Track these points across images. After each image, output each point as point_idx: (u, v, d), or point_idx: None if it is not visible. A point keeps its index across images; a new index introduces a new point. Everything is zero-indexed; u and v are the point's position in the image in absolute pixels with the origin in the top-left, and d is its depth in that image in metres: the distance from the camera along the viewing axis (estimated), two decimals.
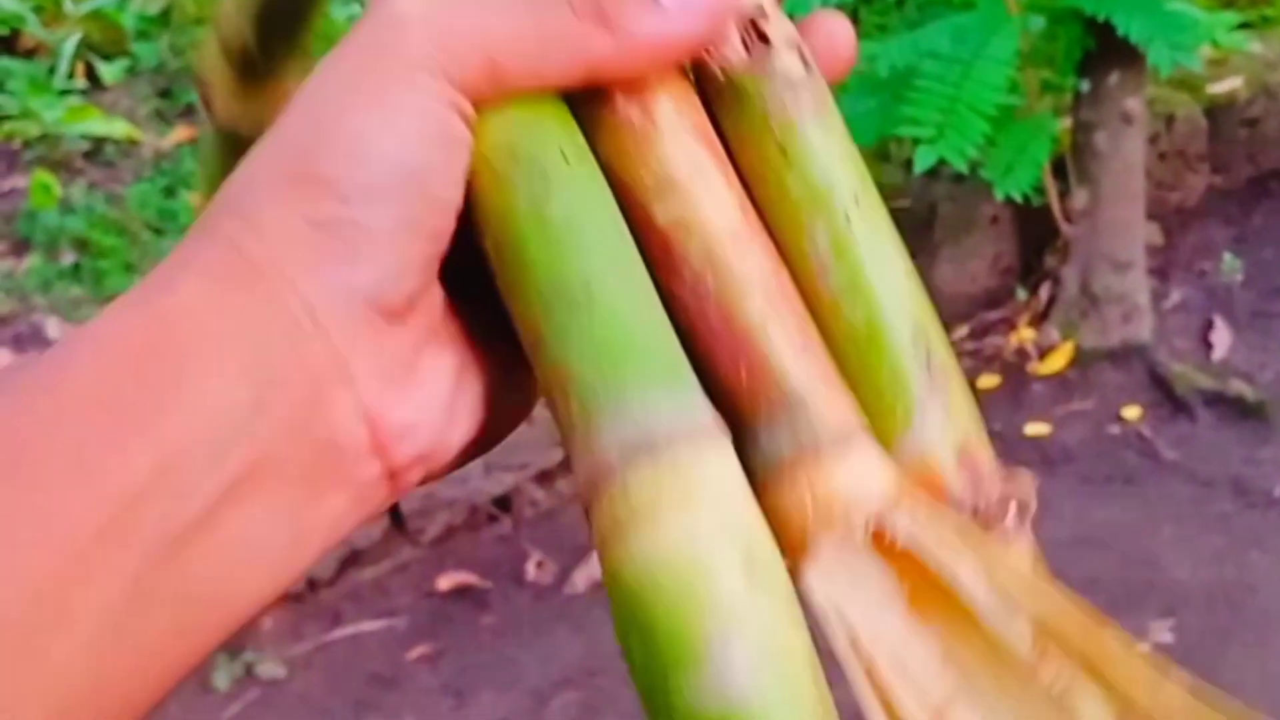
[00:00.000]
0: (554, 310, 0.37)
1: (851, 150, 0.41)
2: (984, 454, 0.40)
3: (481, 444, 0.42)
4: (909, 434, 0.39)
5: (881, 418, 0.38)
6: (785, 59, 0.41)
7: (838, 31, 0.43)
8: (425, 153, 0.37)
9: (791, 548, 0.36)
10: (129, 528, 0.33)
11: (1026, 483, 0.39)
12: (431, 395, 0.39)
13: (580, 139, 0.40)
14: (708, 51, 0.40)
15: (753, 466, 0.37)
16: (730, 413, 0.37)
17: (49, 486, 0.32)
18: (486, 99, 0.38)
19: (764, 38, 0.40)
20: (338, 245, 0.36)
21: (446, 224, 0.38)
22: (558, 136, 0.39)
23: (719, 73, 0.41)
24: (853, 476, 0.36)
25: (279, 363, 0.35)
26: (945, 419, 0.39)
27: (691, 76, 0.42)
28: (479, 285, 0.40)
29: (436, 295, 0.40)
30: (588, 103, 0.40)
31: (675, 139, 0.39)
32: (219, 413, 0.34)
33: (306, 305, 0.36)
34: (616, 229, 0.39)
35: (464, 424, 0.41)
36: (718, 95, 0.41)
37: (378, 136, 0.36)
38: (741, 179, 0.40)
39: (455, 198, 0.38)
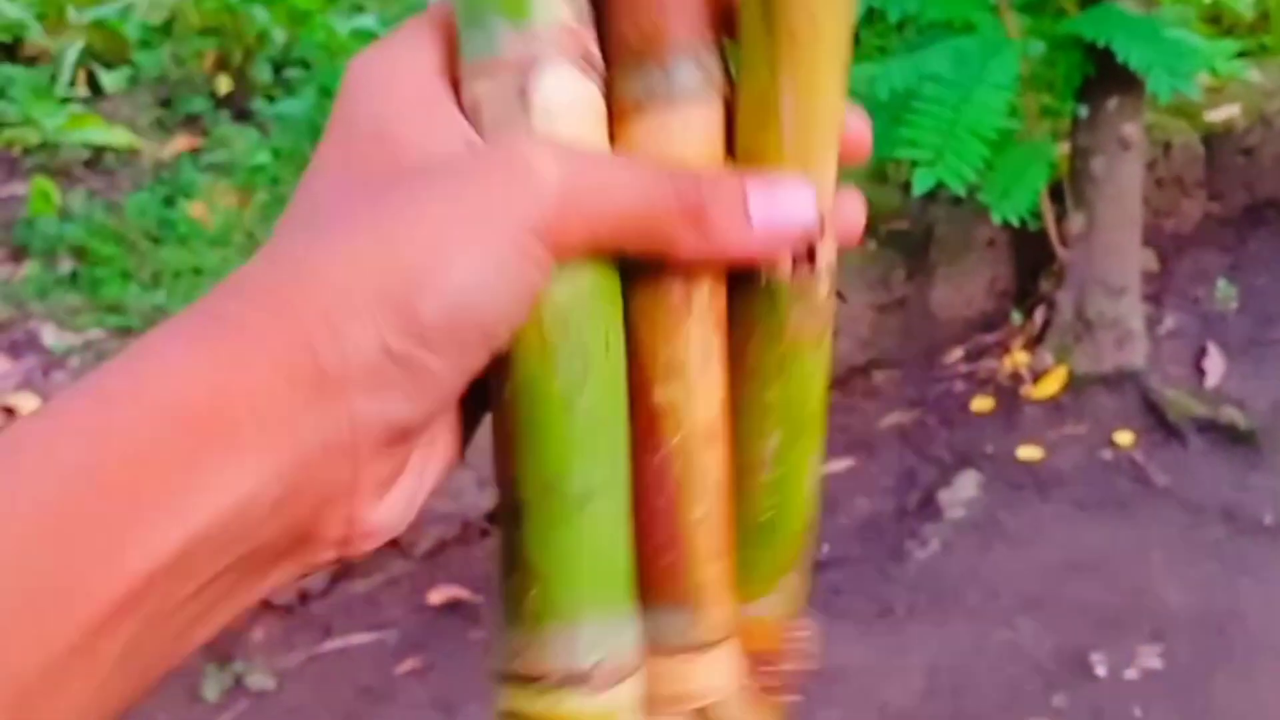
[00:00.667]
0: (548, 500, 0.41)
1: (826, 367, 0.45)
2: (798, 620, 0.48)
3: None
4: (763, 600, 0.46)
5: (751, 580, 0.46)
6: (821, 284, 0.43)
7: (851, 211, 0.45)
8: (511, 318, 0.39)
9: (648, 705, 0.44)
10: (138, 603, 0.34)
11: (811, 641, 0.48)
12: (405, 494, 0.41)
13: (621, 318, 0.42)
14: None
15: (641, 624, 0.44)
16: (640, 581, 0.43)
17: (82, 555, 0.33)
18: (576, 255, 0.40)
19: (813, 259, 0.43)
20: (403, 380, 0.37)
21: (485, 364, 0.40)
22: (606, 317, 0.41)
23: (762, 276, 0.43)
24: (708, 676, 0.44)
25: (311, 471, 0.36)
26: (789, 597, 0.47)
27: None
28: None
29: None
30: (636, 263, 0.42)
31: (699, 328, 0.42)
32: (247, 506, 0.35)
33: (353, 425, 0.37)
34: (624, 432, 0.42)
35: (417, 504, 0.42)
36: (747, 288, 0.43)
37: (480, 300, 0.38)
38: (730, 363, 0.44)
39: (505, 346, 0.40)
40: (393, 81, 0.41)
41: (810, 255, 0.42)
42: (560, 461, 0.40)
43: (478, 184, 0.38)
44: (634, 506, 0.43)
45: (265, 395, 0.36)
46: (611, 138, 0.42)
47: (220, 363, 0.36)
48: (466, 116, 0.41)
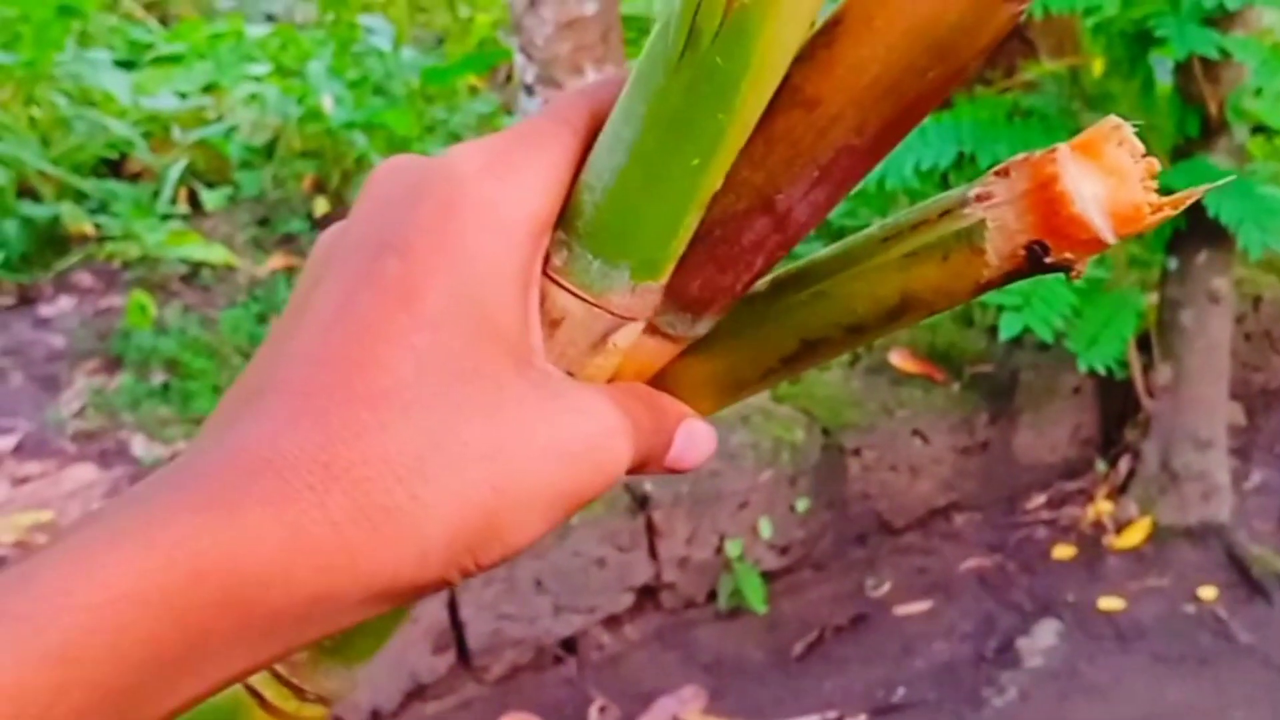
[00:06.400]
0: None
1: None
2: None
3: None
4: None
5: None
6: None
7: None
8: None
9: None
10: None
11: None
12: None
13: None
14: None
15: None
16: None
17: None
18: None
19: None
20: (430, 593, 0.40)
21: None
22: None
23: None
24: None
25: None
26: None
27: None
28: None
29: None
30: None
31: None
32: (251, 671, 0.38)
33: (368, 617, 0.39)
34: None
35: None
36: None
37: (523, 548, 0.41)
38: None
39: None
40: (502, 239, 0.41)
41: None
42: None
43: (578, 461, 0.41)
44: None
45: (325, 600, 0.37)
46: None
47: (306, 563, 0.37)
48: (541, 303, 0.43)
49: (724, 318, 0.46)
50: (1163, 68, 2.74)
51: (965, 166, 3.18)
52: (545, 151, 0.42)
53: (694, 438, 0.46)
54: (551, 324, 0.43)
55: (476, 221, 0.41)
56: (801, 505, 2.71)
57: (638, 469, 0.45)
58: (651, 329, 0.45)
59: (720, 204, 0.42)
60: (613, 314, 0.43)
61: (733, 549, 2.63)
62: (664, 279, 0.43)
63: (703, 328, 0.46)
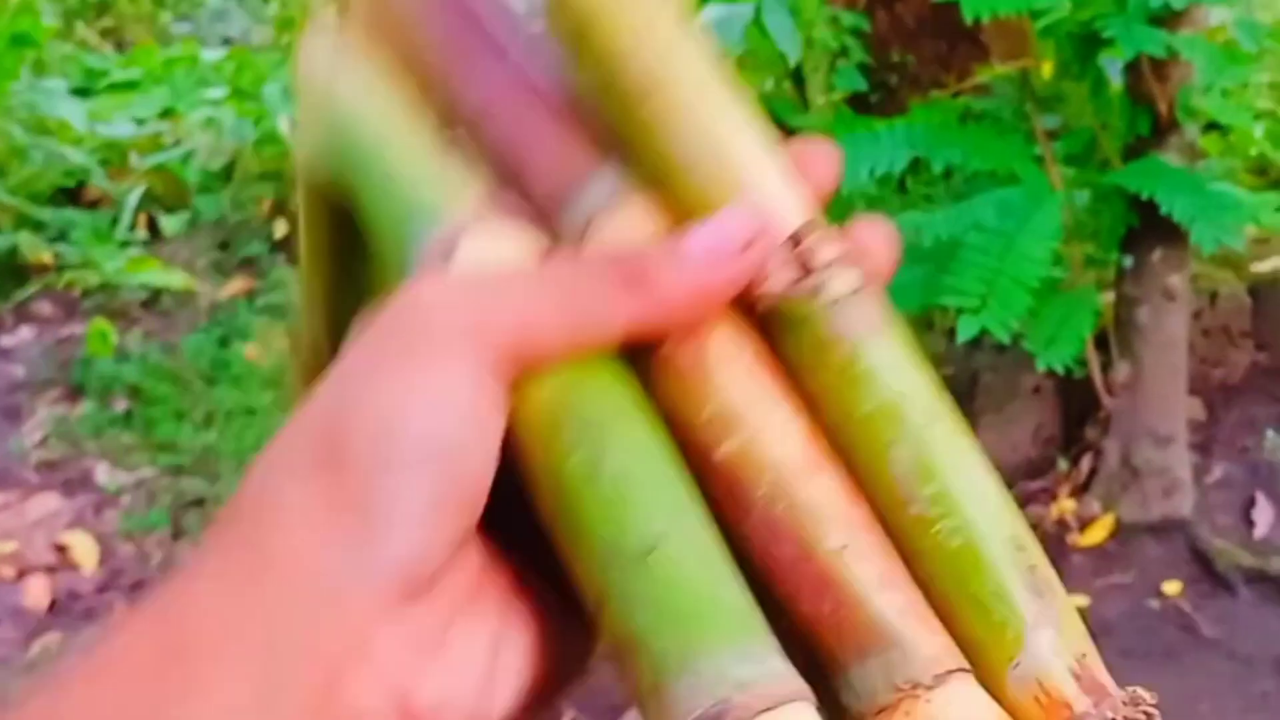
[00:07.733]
0: (616, 572, 0.36)
1: (918, 361, 0.40)
2: (1102, 670, 0.38)
3: (541, 698, 0.39)
4: (1022, 656, 0.37)
5: (989, 640, 0.37)
6: (833, 279, 0.39)
7: (875, 237, 0.41)
8: (455, 429, 0.35)
9: None
10: None
11: (1148, 699, 0.37)
12: (466, 664, 0.37)
13: (631, 388, 0.39)
14: (751, 284, 0.39)
15: (846, 705, 0.36)
16: (818, 651, 0.36)
17: None
18: (528, 368, 0.37)
19: (807, 261, 0.39)
20: (359, 527, 0.34)
21: (478, 498, 0.36)
22: (607, 391, 0.38)
23: (765, 302, 0.39)
24: (959, 712, 0.35)
25: (291, 653, 0.33)
26: (1058, 637, 0.38)
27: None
28: (521, 528, 0.38)
29: (472, 560, 0.38)
30: (640, 352, 0.39)
31: (728, 376, 0.38)
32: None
33: (325, 589, 0.34)
34: (677, 477, 0.38)
35: (510, 686, 0.38)
36: (770, 322, 0.39)
37: (405, 414, 0.35)
38: (811, 405, 0.39)
39: (487, 472, 0.36)
40: None
41: (802, 258, 0.38)
42: (609, 529, 0.36)
43: (379, 327, 0.37)
44: (769, 574, 0.37)
45: (214, 609, 0.34)
46: None
47: (171, 602, 0.35)
48: None
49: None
50: (1113, 68, 2.76)
51: (922, 171, 3.20)
52: None
53: (706, 222, 0.38)
54: None
55: None
56: None
57: (629, 292, 0.37)
58: (581, 233, 0.40)
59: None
60: (435, 251, 0.39)
61: None
62: (460, 197, 0.40)
63: (608, 183, 0.40)
